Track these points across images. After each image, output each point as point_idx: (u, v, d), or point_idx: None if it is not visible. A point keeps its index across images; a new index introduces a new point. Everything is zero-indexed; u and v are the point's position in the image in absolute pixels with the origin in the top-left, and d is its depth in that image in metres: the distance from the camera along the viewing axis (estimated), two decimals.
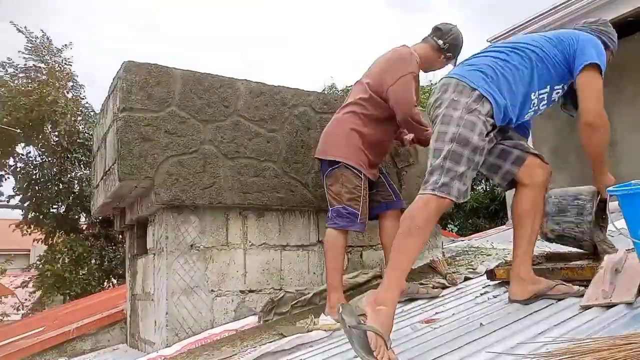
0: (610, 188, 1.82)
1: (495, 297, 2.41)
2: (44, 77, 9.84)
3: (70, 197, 10.10)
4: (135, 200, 3.17)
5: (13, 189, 10.30)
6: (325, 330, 2.39)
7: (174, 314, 2.76)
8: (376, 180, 2.85)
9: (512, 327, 1.81)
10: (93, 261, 9.81)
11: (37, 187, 10.20)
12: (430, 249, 3.56)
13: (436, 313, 2.39)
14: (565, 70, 2.07)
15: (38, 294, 10.61)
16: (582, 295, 1.96)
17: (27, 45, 10.10)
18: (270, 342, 2.39)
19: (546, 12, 5.86)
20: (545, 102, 2.13)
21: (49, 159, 10.20)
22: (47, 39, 10.38)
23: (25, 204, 10.32)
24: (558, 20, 5.78)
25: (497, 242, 4.26)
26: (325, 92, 10.30)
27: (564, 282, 2.10)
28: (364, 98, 2.77)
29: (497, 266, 2.65)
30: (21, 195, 10.27)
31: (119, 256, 10.01)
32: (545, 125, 6.00)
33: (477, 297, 2.51)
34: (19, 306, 11.78)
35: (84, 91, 10.70)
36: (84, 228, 10.66)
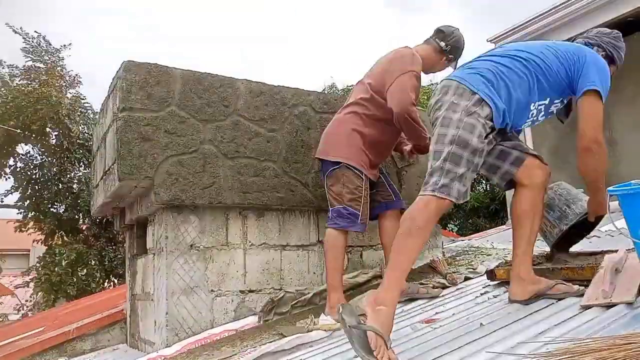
0: (610, 188, 1.83)
1: (495, 297, 2.41)
2: (43, 77, 9.84)
3: (70, 197, 10.10)
4: (135, 200, 3.17)
5: (11, 187, 10.30)
6: (325, 330, 2.39)
7: (173, 314, 2.76)
8: (376, 180, 2.85)
9: (512, 327, 1.81)
10: (93, 262, 9.81)
11: (37, 187, 10.20)
12: (431, 248, 3.56)
13: (436, 313, 2.39)
14: (566, 85, 2.07)
15: (38, 296, 10.61)
16: (582, 295, 1.97)
17: (26, 47, 10.11)
18: (270, 342, 2.39)
19: (546, 12, 5.86)
20: (543, 113, 2.13)
21: (49, 159, 10.20)
22: (44, 39, 10.38)
23: (25, 204, 10.32)
24: (558, 20, 5.78)
25: (497, 242, 4.26)
26: (326, 92, 10.29)
27: (564, 282, 2.11)
28: (366, 98, 2.77)
29: (497, 266, 2.65)
30: (20, 195, 10.27)
31: (119, 256, 10.01)
32: (545, 125, 6.01)
33: (477, 297, 2.51)
34: (19, 307, 11.79)
35: (81, 85, 10.69)
36: (83, 228, 10.66)
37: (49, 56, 10.27)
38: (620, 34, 2.29)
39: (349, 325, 1.65)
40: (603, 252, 2.37)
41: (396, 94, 2.64)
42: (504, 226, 6.07)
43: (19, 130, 9.35)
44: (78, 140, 9.91)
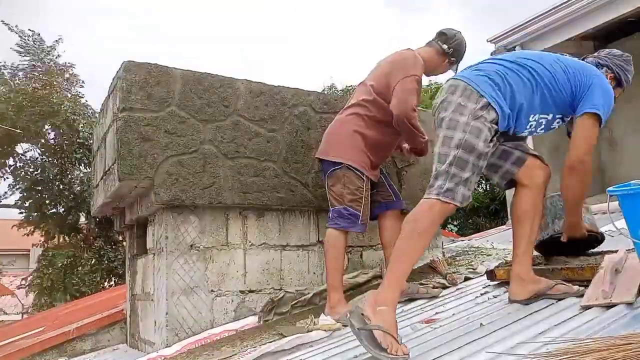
0: (610, 188, 1.83)
1: (495, 297, 2.41)
2: (43, 76, 9.84)
3: (71, 198, 10.10)
4: (135, 200, 3.17)
5: (9, 186, 10.30)
6: (325, 330, 2.39)
7: (173, 314, 2.76)
8: (377, 180, 2.85)
9: (512, 327, 1.81)
10: (93, 261, 9.82)
11: (38, 188, 10.21)
12: (431, 249, 3.56)
13: (436, 313, 2.39)
14: (568, 103, 2.06)
15: (33, 299, 10.63)
16: (582, 295, 1.97)
17: (20, 45, 10.11)
18: (270, 342, 2.38)
19: (546, 12, 5.86)
20: (543, 127, 2.13)
21: (49, 159, 10.20)
22: (38, 35, 10.39)
23: (27, 204, 10.32)
24: (558, 20, 5.78)
25: (497, 242, 4.26)
26: (325, 92, 10.29)
27: (564, 282, 2.11)
28: (368, 100, 2.77)
29: (497, 266, 2.65)
30: (21, 196, 10.27)
31: (119, 256, 10.02)
32: None
33: (477, 297, 2.51)
34: (22, 310, 11.80)
35: (82, 85, 10.68)
36: (83, 228, 10.66)
37: (46, 54, 10.28)
38: (630, 57, 2.30)
39: (357, 329, 1.68)
40: (603, 253, 2.37)
41: (398, 95, 2.65)
42: (504, 226, 6.08)
43: (19, 130, 9.35)
44: (78, 140, 9.91)
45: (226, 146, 2.94)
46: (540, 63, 2.07)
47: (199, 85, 2.92)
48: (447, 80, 2.15)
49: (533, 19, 5.97)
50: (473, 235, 6.03)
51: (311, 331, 2.38)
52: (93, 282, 9.77)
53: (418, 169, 3.51)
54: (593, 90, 2.03)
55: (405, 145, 3.09)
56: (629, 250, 2.23)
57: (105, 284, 10.28)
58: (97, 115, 8.05)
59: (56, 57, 10.48)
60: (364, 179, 2.72)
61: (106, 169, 3.03)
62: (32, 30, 10.39)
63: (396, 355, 1.61)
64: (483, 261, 3.43)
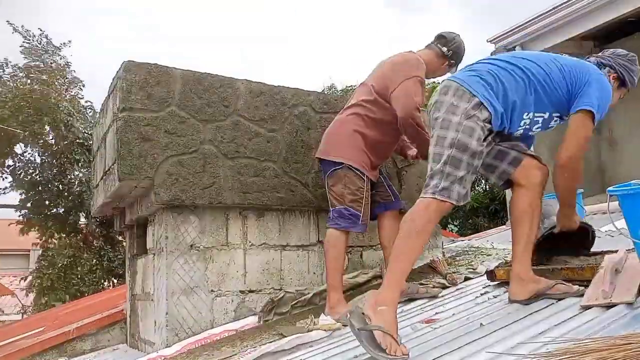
0: (610, 188, 1.83)
1: (495, 297, 2.41)
2: (43, 77, 9.84)
3: (70, 198, 10.10)
4: (135, 200, 3.17)
5: (9, 185, 10.32)
6: (325, 330, 2.39)
7: (173, 314, 2.76)
8: (376, 181, 2.85)
9: (512, 327, 1.81)
10: (94, 262, 9.82)
11: (38, 188, 10.20)
12: (430, 248, 3.56)
13: (436, 313, 2.39)
14: (565, 101, 2.06)
15: (32, 299, 10.63)
16: (581, 295, 1.97)
17: (24, 45, 10.11)
18: (270, 342, 2.39)
19: (546, 12, 5.86)
20: (540, 126, 2.13)
21: (49, 159, 10.20)
22: (46, 37, 10.38)
23: (27, 205, 10.32)
24: (558, 20, 5.78)
25: (497, 242, 4.26)
26: (325, 92, 10.29)
27: (564, 282, 2.11)
28: (369, 100, 2.77)
29: (497, 266, 2.65)
30: (21, 198, 10.27)
31: (119, 256, 10.02)
32: None
33: (477, 297, 2.51)
34: (20, 308, 11.80)
35: (83, 85, 10.67)
36: (83, 229, 10.66)
37: (49, 55, 10.27)
38: (636, 57, 2.27)
39: (357, 329, 1.68)
40: (603, 253, 2.37)
41: (401, 99, 2.66)
42: (504, 226, 6.08)
43: (18, 130, 9.35)
44: (78, 141, 9.91)
45: (226, 146, 2.94)
46: (535, 62, 2.08)
47: (199, 85, 2.92)
48: (442, 82, 2.16)
49: (533, 19, 5.97)
50: (473, 236, 6.03)
51: (311, 331, 2.38)
52: (93, 282, 9.77)
53: (417, 169, 3.51)
54: (589, 87, 2.03)
55: (410, 152, 3.09)
56: (629, 250, 2.23)
57: (105, 284, 10.28)
58: (96, 115, 8.07)
59: (61, 59, 10.47)
60: (365, 179, 2.72)
61: (106, 169, 3.03)
62: (41, 30, 10.40)
63: (395, 355, 1.62)
64: (483, 261, 3.43)
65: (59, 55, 10.46)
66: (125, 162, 2.67)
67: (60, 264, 9.48)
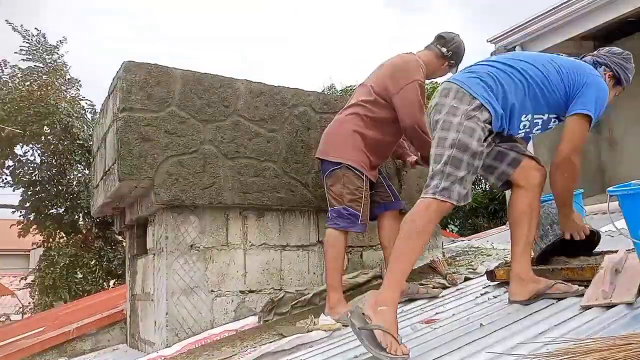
0: (610, 188, 1.83)
1: (495, 297, 2.41)
2: (44, 76, 9.84)
3: (70, 198, 10.10)
4: (135, 201, 3.17)
5: (7, 184, 10.32)
6: (325, 330, 2.39)
7: (173, 314, 2.76)
8: (376, 181, 2.85)
9: (512, 328, 1.81)
10: (93, 262, 9.82)
11: (37, 189, 10.20)
12: (431, 249, 3.56)
13: (436, 313, 2.39)
14: (563, 103, 2.07)
15: (34, 299, 10.62)
16: (581, 295, 1.97)
17: (24, 46, 10.10)
18: (270, 342, 2.39)
19: (546, 12, 5.86)
20: (540, 127, 2.14)
21: (48, 160, 10.20)
22: (43, 36, 10.37)
23: (26, 205, 10.32)
24: (558, 20, 5.78)
25: (497, 242, 4.26)
26: (325, 92, 10.29)
27: (564, 282, 2.11)
28: (368, 100, 2.77)
29: (497, 267, 2.65)
30: (21, 198, 10.27)
31: (118, 256, 10.01)
32: None
33: (477, 297, 2.51)
34: (21, 309, 11.80)
35: (80, 85, 10.67)
36: (82, 229, 10.65)
37: (48, 54, 10.26)
38: (631, 55, 2.29)
39: (358, 328, 1.69)
40: (603, 253, 2.37)
41: (405, 108, 2.68)
42: (504, 226, 6.08)
43: (18, 130, 9.35)
44: (77, 141, 9.91)
45: (226, 146, 2.94)
46: (533, 64, 2.09)
47: (199, 86, 2.92)
48: (441, 84, 2.17)
49: (533, 19, 5.97)
50: (473, 236, 6.03)
51: (311, 331, 2.38)
52: (93, 281, 9.76)
53: (418, 170, 3.50)
54: (586, 89, 2.04)
55: (410, 159, 3.10)
56: (629, 250, 2.24)
57: (105, 284, 10.27)
58: (96, 116, 8.07)
59: (59, 58, 10.47)
60: (364, 178, 2.72)
61: (106, 169, 3.03)
62: (38, 30, 10.38)
63: (395, 355, 1.62)
64: (483, 261, 3.43)
65: (57, 54, 10.45)
66: (125, 162, 2.67)
67: (62, 263, 9.47)
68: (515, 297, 2.11)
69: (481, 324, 1.93)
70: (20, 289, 11.18)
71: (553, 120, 2.13)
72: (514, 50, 6.06)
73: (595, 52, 2.31)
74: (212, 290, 2.87)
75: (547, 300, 2.05)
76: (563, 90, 2.05)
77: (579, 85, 2.04)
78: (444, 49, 2.91)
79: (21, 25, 10.15)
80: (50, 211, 10.27)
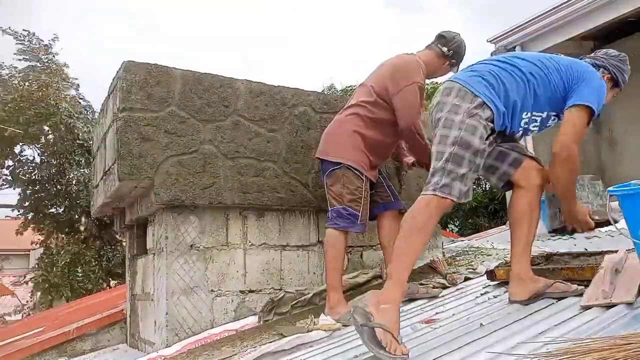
0: (610, 188, 1.83)
1: (495, 297, 2.41)
2: (42, 76, 9.84)
3: (69, 198, 10.10)
4: (135, 201, 3.17)
5: (5, 183, 10.33)
6: (325, 330, 2.39)
7: (173, 314, 2.76)
8: (375, 181, 2.85)
9: (513, 327, 1.81)
10: (93, 262, 9.81)
11: (36, 188, 10.21)
12: (431, 249, 3.56)
13: (436, 313, 2.39)
14: (562, 100, 2.08)
15: (35, 297, 10.62)
16: (581, 294, 1.97)
17: (18, 46, 10.11)
18: (270, 342, 2.39)
19: (546, 12, 5.86)
20: (538, 125, 2.14)
21: (48, 160, 10.20)
22: (34, 35, 10.37)
23: (25, 204, 10.33)
24: (558, 20, 5.78)
25: (497, 242, 4.27)
26: (325, 92, 10.29)
27: (563, 282, 2.11)
28: (368, 101, 2.77)
29: (497, 266, 2.65)
30: (19, 197, 10.27)
31: (117, 256, 10.01)
32: None
33: (477, 297, 2.51)
34: (19, 308, 11.79)
35: (78, 85, 10.67)
36: (82, 229, 10.65)
37: (44, 54, 10.27)
38: (627, 57, 2.30)
39: (360, 325, 1.69)
40: (603, 253, 2.37)
41: (403, 110, 2.69)
42: (504, 226, 6.08)
43: (18, 130, 9.35)
44: (77, 141, 9.91)
45: (226, 146, 2.94)
46: (533, 62, 2.10)
47: (199, 85, 2.92)
48: (443, 83, 2.17)
49: (533, 19, 5.97)
50: (473, 236, 6.03)
51: (311, 331, 2.38)
52: (96, 279, 9.76)
53: (418, 170, 3.50)
54: (585, 83, 2.05)
55: (407, 160, 3.10)
56: (629, 250, 2.24)
57: (105, 284, 10.27)
58: (96, 115, 8.08)
59: (53, 56, 10.47)
60: (363, 179, 2.72)
61: (106, 169, 3.03)
62: (27, 31, 10.38)
63: (394, 354, 1.62)
64: (483, 261, 3.43)
65: (52, 53, 10.45)
66: (125, 162, 2.67)
67: (62, 262, 9.47)
68: (515, 297, 2.11)
69: (481, 324, 1.93)
70: (23, 284, 11.15)
71: (552, 118, 2.13)
72: (514, 50, 6.06)
73: (592, 55, 2.32)
74: (212, 290, 2.87)
75: (547, 300, 2.06)
76: (562, 87, 2.06)
77: (578, 80, 2.05)
78: (444, 49, 2.91)
79: (9, 27, 10.15)
80: (50, 210, 10.28)
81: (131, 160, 2.69)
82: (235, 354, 2.36)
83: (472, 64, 2.20)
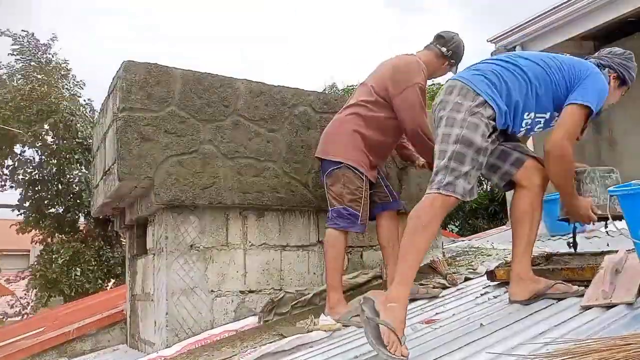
0: (610, 188, 1.83)
1: (495, 297, 2.41)
2: (40, 76, 9.84)
3: (70, 198, 10.10)
4: (135, 201, 3.17)
5: (5, 182, 10.34)
6: (325, 330, 2.39)
7: (173, 315, 2.75)
8: (375, 181, 2.85)
9: (513, 328, 1.81)
10: (93, 262, 9.81)
11: (36, 188, 10.20)
12: (431, 249, 3.55)
13: (436, 313, 2.38)
14: (564, 100, 2.07)
15: (32, 292, 10.61)
16: (581, 295, 1.97)
17: (15, 47, 10.11)
18: (270, 342, 2.38)
19: (546, 12, 5.86)
20: (542, 126, 2.14)
21: (48, 159, 10.20)
22: (32, 35, 10.38)
23: (26, 204, 10.33)
24: (558, 20, 5.78)
25: (497, 242, 4.26)
26: (326, 92, 10.29)
27: (564, 282, 2.11)
28: (369, 100, 2.77)
29: (497, 267, 2.65)
30: (20, 196, 10.27)
31: (117, 256, 10.01)
32: None
33: (477, 297, 2.51)
34: (19, 308, 11.77)
35: (79, 84, 10.67)
36: (82, 229, 10.66)
37: (42, 53, 10.27)
38: (632, 55, 2.29)
39: (367, 317, 1.69)
40: (603, 253, 2.37)
41: (407, 112, 2.68)
42: (504, 226, 6.08)
43: (18, 130, 9.35)
44: (77, 140, 9.91)
45: (226, 146, 2.94)
46: (535, 62, 2.10)
47: (199, 85, 2.92)
48: (446, 82, 2.17)
49: (533, 19, 5.97)
50: (473, 236, 6.02)
51: (311, 331, 2.38)
52: (94, 279, 9.75)
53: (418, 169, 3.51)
54: (586, 81, 2.05)
55: (418, 162, 3.10)
56: (629, 250, 2.23)
57: (104, 284, 10.27)
58: (96, 114, 8.06)
59: (52, 55, 10.48)
60: (364, 178, 2.71)
61: (106, 169, 3.03)
62: (25, 31, 10.39)
63: (394, 355, 1.62)
64: (483, 261, 3.43)
65: (49, 53, 10.46)
66: (125, 162, 2.67)
67: (62, 260, 9.47)
68: (515, 297, 2.11)
69: (481, 324, 1.93)
70: (19, 280, 11.15)
71: (555, 118, 2.13)
72: (514, 50, 6.06)
73: (597, 54, 2.31)
74: (212, 291, 2.87)
75: (547, 300, 2.05)
76: (565, 87, 2.06)
77: (579, 79, 2.05)
78: (443, 49, 2.91)
79: (7, 29, 10.16)
80: (50, 210, 10.28)
81: (131, 160, 2.69)
82: (235, 355, 2.36)
83: (475, 63, 2.20)
